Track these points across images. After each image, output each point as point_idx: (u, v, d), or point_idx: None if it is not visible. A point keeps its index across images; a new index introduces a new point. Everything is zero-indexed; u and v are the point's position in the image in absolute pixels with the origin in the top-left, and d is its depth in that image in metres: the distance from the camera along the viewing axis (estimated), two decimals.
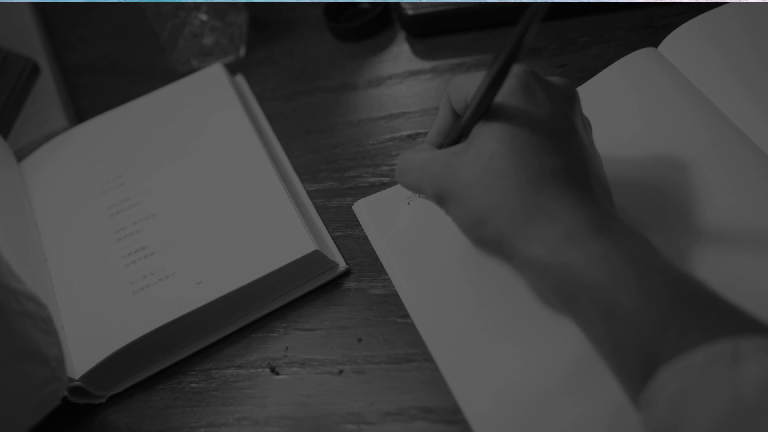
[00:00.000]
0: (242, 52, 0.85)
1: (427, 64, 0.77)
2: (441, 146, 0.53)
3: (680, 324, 0.39)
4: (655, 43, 0.66)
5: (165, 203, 0.68)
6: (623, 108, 0.62)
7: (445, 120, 0.54)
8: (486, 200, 0.46)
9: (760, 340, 0.36)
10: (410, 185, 0.53)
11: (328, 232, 0.66)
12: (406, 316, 0.58)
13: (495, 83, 0.46)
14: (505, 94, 0.47)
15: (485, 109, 0.48)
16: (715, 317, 0.39)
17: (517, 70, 0.48)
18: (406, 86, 0.76)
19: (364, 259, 0.63)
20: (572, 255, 0.43)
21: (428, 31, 0.79)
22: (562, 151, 0.46)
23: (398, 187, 0.65)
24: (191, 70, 0.84)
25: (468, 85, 0.50)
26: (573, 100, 0.50)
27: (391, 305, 0.59)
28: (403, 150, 0.69)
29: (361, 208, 0.65)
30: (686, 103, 0.61)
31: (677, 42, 0.65)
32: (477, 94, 0.47)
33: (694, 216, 0.55)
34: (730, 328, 0.38)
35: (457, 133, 0.51)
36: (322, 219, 0.67)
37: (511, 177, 0.45)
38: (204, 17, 0.81)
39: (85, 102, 0.88)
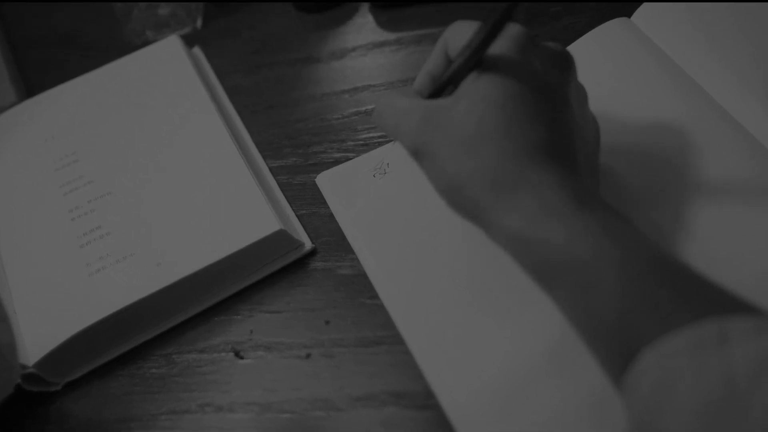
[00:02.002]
0: (199, 23, 0.82)
1: (391, 36, 0.75)
2: (428, 93, 0.51)
3: (664, 304, 0.37)
4: (628, 13, 0.65)
5: (121, 181, 0.65)
6: (597, 80, 0.61)
7: (438, 64, 0.51)
8: (468, 164, 0.44)
9: (748, 321, 0.35)
10: (387, 129, 0.50)
11: (293, 210, 0.64)
12: (375, 297, 0.56)
13: (492, 33, 0.44)
14: (501, 56, 0.45)
15: (477, 60, 0.46)
16: (700, 297, 0.38)
17: (515, 31, 0.46)
18: (371, 58, 0.74)
19: (331, 238, 0.61)
20: (553, 229, 0.41)
21: (392, 1, 0.77)
22: (552, 124, 0.45)
23: (363, 158, 0.63)
24: (146, 42, 0.81)
25: (468, 33, 0.47)
26: (569, 70, 0.48)
27: (360, 285, 0.58)
28: (368, 125, 0.67)
29: (325, 180, 0.63)
30: (661, 73, 0.61)
31: (650, 12, 0.64)
32: (472, 41, 0.45)
33: (670, 187, 0.55)
34: (717, 308, 0.36)
35: (446, 79, 0.48)
36: (286, 197, 0.65)
37: (498, 143, 0.43)
38: None
39: (35, 76, 0.84)
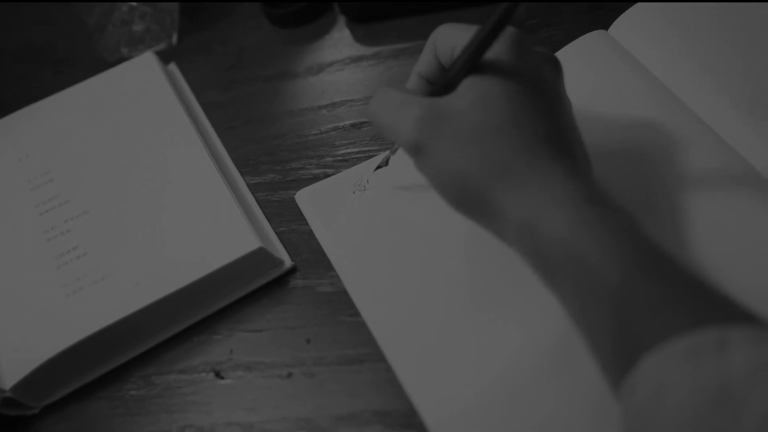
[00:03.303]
0: (174, 39, 0.82)
1: (369, 50, 0.75)
2: (422, 92, 0.51)
3: (667, 307, 0.37)
4: (605, 25, 0.66)
5: (97, 200, 0.65)
6: (577, 93, 0.61)
7: (428, 65, 0.51)
8: (477, 155, 0.43)
9: (749, 330, 0.35)
10: (382, 125, 0.48)
11: (272, 227, 0.63)
12: (356, 314, 0.56)
13: (490, 35, 0.44)
14: (499, 55, 0.46)
15: (474, 64, 0.46)
16: (702, 303, 0.38)
17: (509, 32, 0.46)
18: (348, 73, 0.74)
19: (311, 255, 0.61)
20: (561, 221, 0.41)
21: (369, 15, 0.77)
22: (552, 118, 0.45)
23: (342, 175, 0.63)
24: (121, 59, 0.80)
25: (456, 35, 0.48)
26: (560, 69, 0.49)
27: (341, 303, 0.57)
28: (347, 140, 0.67)
29: (304, 197, 0.63)
30: (639, 85, 0.61)
31: (628, 24, 0.65)
32: (470, 46, 0.45)
33: (650, 199, 0.55)
34: (718, 315, 0.36)
35: (443, 84, 0.48)
36: (264, 214, 0.64)
37: (508, 134, 0.43)
38: (133, 3, 0.78)
39: (7, 93, 0.83)
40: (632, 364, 0.36)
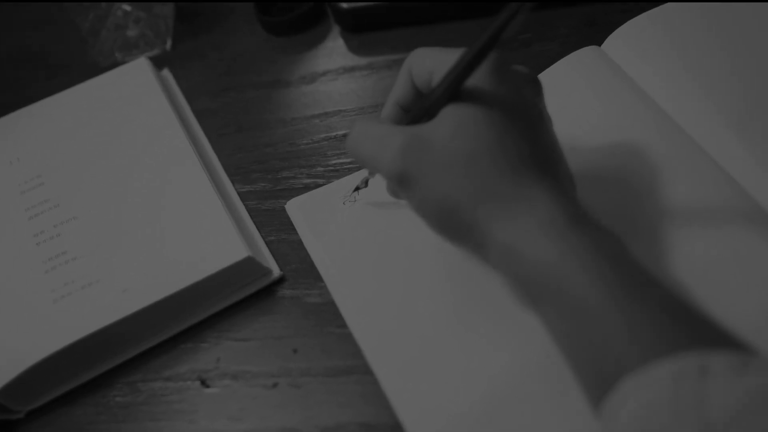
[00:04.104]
0: (168, 44, 0.82)
1: (362, 60, 0.75)
2: (400, 121, 0.51)
3: (649, 331, 0.37)
4: (599, 41, 0.66)
5: (87, 205, 0.64)
6: (568, 108, 0.61)
7: (404, 91, 0.51)
8: (461, 182, 0.43)
9: (731, 356, 0.35)
10: (365, 158, 0.48)
11: (261, 236, 0.63)
12: (344, 326, 0.56)
13: (472, 64, 0.44)
14: (477, 78, 0.45)
15: (455, 91, 0.45)
16: (685, 327, 0.38)
17: (491, 56, 0.46)
18: (342, 83, 0.74)
19: (300, 265, 0.61)
20: (547, 246, 0.41)
21: (364, 25, 0.77)
22: (534, 139, 0.45)
23: (333, 186, 0.63)
24: (115, 64, 0.80)
25: (433, 59, 0.47)
26: (539, 90, 0.49)
27: (329, 314, 0.57)
28: (339, 150, 0.67)
29: (294, 207, 0.63)
30: (631, 103, 0.61)
31: (621, 40, 0.65)
32: (450, 74, 0.45)
33: (637, 213, 0.55)
34: (700, 339, 0.37)
35: (423, 109, 0.47)
36: (254, 222, 0.64)
37: (491, 160, 0.43)
38: (128, 8, 0.78)
39: (0, 96, 0.83)
40: (612, 386, 0.37)
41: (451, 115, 0.45)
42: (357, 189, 0.59)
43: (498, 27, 0.42)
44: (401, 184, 0.46)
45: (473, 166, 0.43)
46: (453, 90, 0.45)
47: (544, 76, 0.64)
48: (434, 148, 0.44)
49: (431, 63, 0.48)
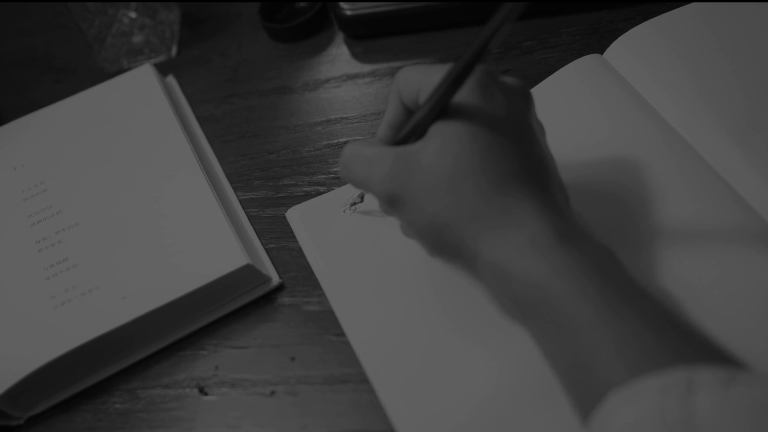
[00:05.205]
0: (174, 51, 0.82)
1: (366, 68, 0.75)
2: (393, 142, 0.51)
3: (637, 346, 0.37)
4: (601, 49, 0.66)
5: (89, 212, 0.65)
6: (569, 116, 0.61)
7: (396, 113, 0.51)
8: (448, 202, 0.43)
9: (718, 370, 0.35)
10: (356, 181, 0.49)
11: (261, 243, 0.63)
12: (342, 334, 0.56)
13: (456, 82, 0.44)
14: (463, 94, 0.45)
15: (442, 108, 0.45)
16: (673, 342, 0.38)
17: (477, 71, 0.46)
18: (344, 90, 0.74)
19: (299, 273, 0.61)
20: (536, 263, 0.41)
21: (367, 32, 0.77)
22: (522, 153, 0.45)
23: (334, 194, 0.63)
24: (120, 70, 0.81)
25: (418, 78, 0.47)
26: (528, 101, 0.48)
27: (327, 322, 0.57)
28: None
29: (295, 215, 0.63)
30: (632, 111, 0.61)
31: (623, 49, 0.64)
32: (435, 92, 0.45)
33: (640, 224, 0.55)
34: (689, 354, 0.37)
35: (410, 129, 0.47)
36: (255, 230, 0.64)
37: (475, 178, 0.43)
38: (133, 15, 0.78)
39: (5, 99, 0.84)
40: (600, 399, 0.37)
41: (437, 133, 0.45)
42: (354, 204, 0.60)
43: (482, 41, 0.42)
44: (391, 205, 0.46)
45: (457, 185, 0.43)
46: (439, 107, 0.45)
47: (545, 84, 0.64)
48: (420, 169, 0.44)
49: (417, 81, 0.47)
